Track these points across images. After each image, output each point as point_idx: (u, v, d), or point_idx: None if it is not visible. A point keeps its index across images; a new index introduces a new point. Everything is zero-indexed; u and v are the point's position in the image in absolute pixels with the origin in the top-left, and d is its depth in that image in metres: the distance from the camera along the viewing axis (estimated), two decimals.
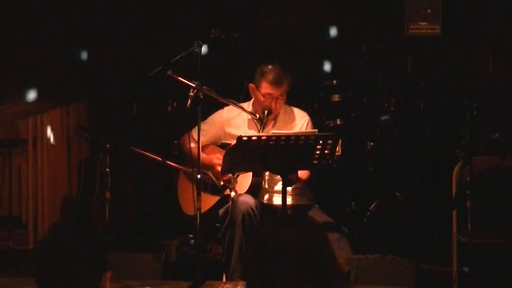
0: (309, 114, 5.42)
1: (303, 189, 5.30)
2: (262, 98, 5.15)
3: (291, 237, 2.31)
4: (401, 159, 6.41)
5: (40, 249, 2.52)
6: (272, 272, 2.30)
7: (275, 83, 5.12)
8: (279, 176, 4.84)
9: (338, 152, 4.68)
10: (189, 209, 5.19)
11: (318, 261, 2.30)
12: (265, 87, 5.14)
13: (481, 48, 6.56)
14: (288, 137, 4.52)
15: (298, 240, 2.31)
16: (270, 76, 5.14)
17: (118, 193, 6.17)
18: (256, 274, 2.32)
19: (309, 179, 5.22)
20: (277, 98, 5.14)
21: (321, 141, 4.52)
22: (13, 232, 5.86)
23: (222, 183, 5.14)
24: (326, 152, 4.54)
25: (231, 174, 4.89)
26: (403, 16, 6.37)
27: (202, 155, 5.06)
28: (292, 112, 5.33)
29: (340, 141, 4.68)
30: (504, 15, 6.51)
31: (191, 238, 5.68)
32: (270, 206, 5.18)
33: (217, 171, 5.14)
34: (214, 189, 5.24)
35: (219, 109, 5.39)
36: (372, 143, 6.28)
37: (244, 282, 4.83)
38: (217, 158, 5.12)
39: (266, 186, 5.23)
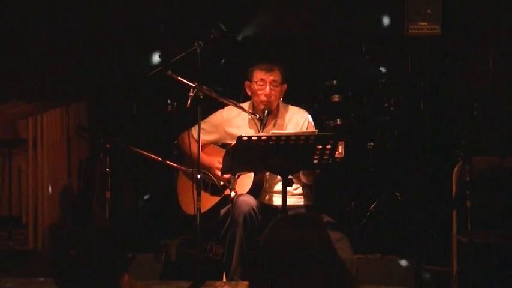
0: (309, 113, 5.42)
1: (303, 190, 5.30)
2: (256, 87, 5.18)
3: (299, 238, 2.31)
4: (401, 159, 6.41)
5: (58, 249, 2.48)
6: (279, 273, 2.29)
7: (266, 68, 5.22)
8: (279, 177, 4.84)
9: (341, 154, 4.68)
10: (189, 208, 5.20)
11: (327, 262, 2.29)
12: (257, 74, 5.22)
13: (481, 48, 6.56)
14: (288, 137, 4.51)
15: (306, 241, 2.30)
16: (261, 64, 5.27)
17: (118, 193, 6.17)
18: (262, 275, 2.31)
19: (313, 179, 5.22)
20: (270, 84, 5.16)
21: (321, 141, 4.52)
22: (13, 232, 5.86)
23: (222, 183, 5.15)
24: (326, 152, 4.54)
25: (231, 175, 4.90)
26: (403, 16, 6.37)
27: (203, 156, 5.06)
28: (293, 111, 5.34)
29: (343, 143, 4.68)
30: (504, 15, 6.50)
31: (191, 238, 5.68)
32: (270, 206, 5.18)
33: (217, 175, 5.15)
34: (215, 190, 5.24)
35: (219, 109, 5.39)
36: (372, 143, 6.28)
37: (245, 283, 4.85)
38: (218, 162, 5.12)
39: (266, 186, 5.23)
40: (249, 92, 5.30)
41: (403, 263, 5.59)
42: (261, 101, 5.17)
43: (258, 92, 5.19)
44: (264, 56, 5.99)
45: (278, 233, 2.35)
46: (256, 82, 5.21)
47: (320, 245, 2.31)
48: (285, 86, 5.26)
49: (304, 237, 2.31)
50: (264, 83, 5.19)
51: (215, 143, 5.35)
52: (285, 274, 2.28)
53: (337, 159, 4.67)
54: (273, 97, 5.19)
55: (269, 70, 5.21)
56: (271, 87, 5.18)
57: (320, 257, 2.29)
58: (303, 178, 5.15)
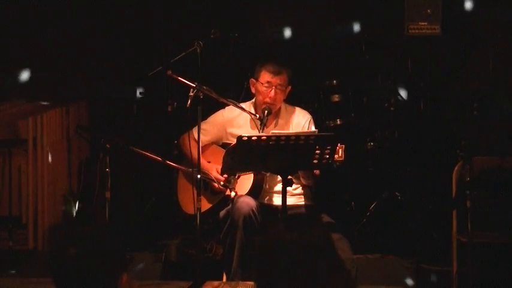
0: (311, 113, 5.42)
1: (303, 190, 5.29)
2: (262, 88, 5.16)
3: (298, 238, 2.30)
4: (401, 159, 6.41)
5: (57, 249, 2.47)
6: (280, 274, 2.28)
7: (274, 71, 5.18)
8: (279, 177, 4.84)
9: (341, 157, 4.67)
10: (188, 208, 5.19)
11: (326, 262, 2.29)
12: (265, 76, 5.18)
13: (481, 48, 6.56)
14: (288, 137, 4.51)
15: (305, 241, 2.30)
16: (269, 65, 5.21)
17: (118, 193, 6.17)
18: (263, 276, 2.31)
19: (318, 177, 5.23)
20: (276, 88, 5.15)
21: (320, 141, 4.52)
22: (13, 232, 5.86)
23: (222, 183, 5.14)
24: (326, 152, 4.54)
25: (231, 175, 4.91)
26: (403, 16, 6.37)
27: (203, 162, 5.06)
28: (294, 112, 5.34)
29: (344, 146, 4.68)
30: (504, 15, 6.50)
31: (191, 238, 5.68)
32: (270, 206, 5.18)
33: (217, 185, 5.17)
34: (214, 190, 5.23)
35: (219, 109, 5.39)
36: (372, 143, 6.28)
37: (246, 283, 4.85)
38: (216, 170, 5.12)
39: (266, 186, 5.23)
40: (253, 90, 5.28)
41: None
42: (265, 102, 5.17)
43: (263, 94, 5.18)
44: (266, 57, 5.97)
45: (278, 233, 2.34)
46: (262, 83, 5.19)
47: (321, 244, 2.31)
48: (289, 87, 5.25)
49: (305, 237, 2.30)
50: (270, 85, 5.17)
51: (216, 142, 5.34)
52: (285, 274, 2.27)
53: (337, 162, 4.66)
54: (277, 100, 5.19)
55: (277, 73, 5.18)
56: (277, 90, 5.17)
57: (321, 257, 2.29)
58: (303, 181, 5.15)
